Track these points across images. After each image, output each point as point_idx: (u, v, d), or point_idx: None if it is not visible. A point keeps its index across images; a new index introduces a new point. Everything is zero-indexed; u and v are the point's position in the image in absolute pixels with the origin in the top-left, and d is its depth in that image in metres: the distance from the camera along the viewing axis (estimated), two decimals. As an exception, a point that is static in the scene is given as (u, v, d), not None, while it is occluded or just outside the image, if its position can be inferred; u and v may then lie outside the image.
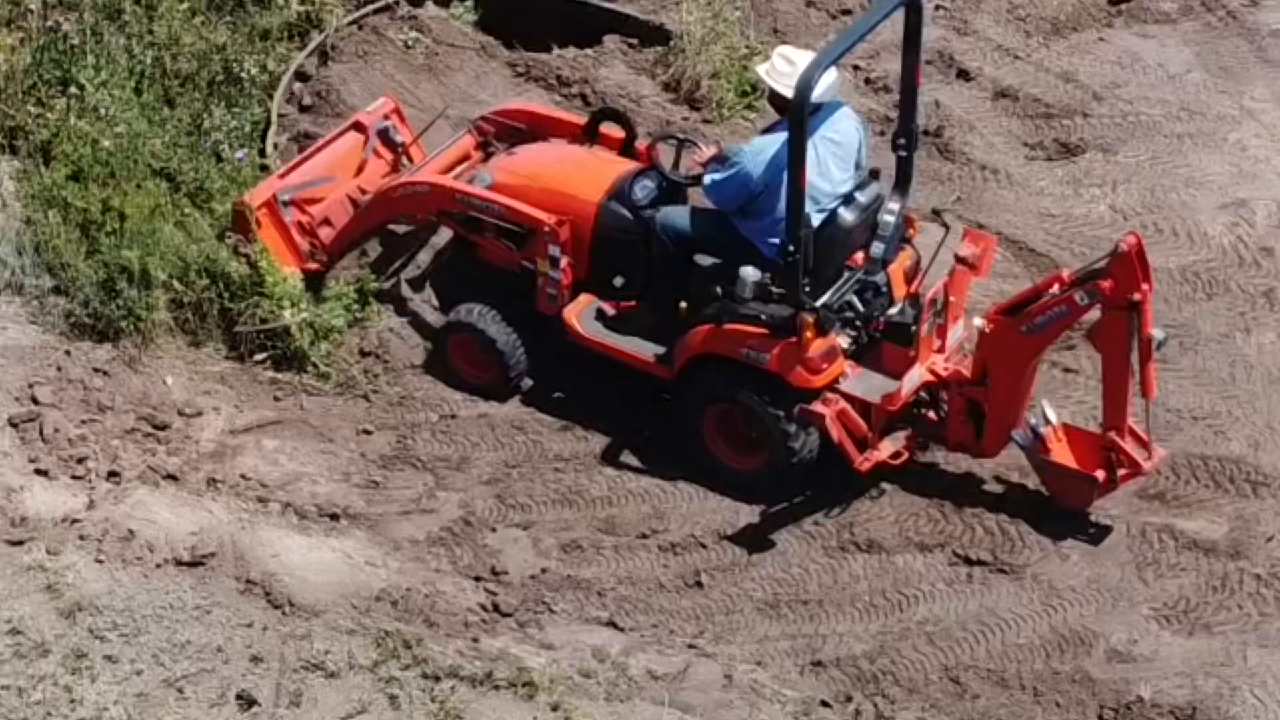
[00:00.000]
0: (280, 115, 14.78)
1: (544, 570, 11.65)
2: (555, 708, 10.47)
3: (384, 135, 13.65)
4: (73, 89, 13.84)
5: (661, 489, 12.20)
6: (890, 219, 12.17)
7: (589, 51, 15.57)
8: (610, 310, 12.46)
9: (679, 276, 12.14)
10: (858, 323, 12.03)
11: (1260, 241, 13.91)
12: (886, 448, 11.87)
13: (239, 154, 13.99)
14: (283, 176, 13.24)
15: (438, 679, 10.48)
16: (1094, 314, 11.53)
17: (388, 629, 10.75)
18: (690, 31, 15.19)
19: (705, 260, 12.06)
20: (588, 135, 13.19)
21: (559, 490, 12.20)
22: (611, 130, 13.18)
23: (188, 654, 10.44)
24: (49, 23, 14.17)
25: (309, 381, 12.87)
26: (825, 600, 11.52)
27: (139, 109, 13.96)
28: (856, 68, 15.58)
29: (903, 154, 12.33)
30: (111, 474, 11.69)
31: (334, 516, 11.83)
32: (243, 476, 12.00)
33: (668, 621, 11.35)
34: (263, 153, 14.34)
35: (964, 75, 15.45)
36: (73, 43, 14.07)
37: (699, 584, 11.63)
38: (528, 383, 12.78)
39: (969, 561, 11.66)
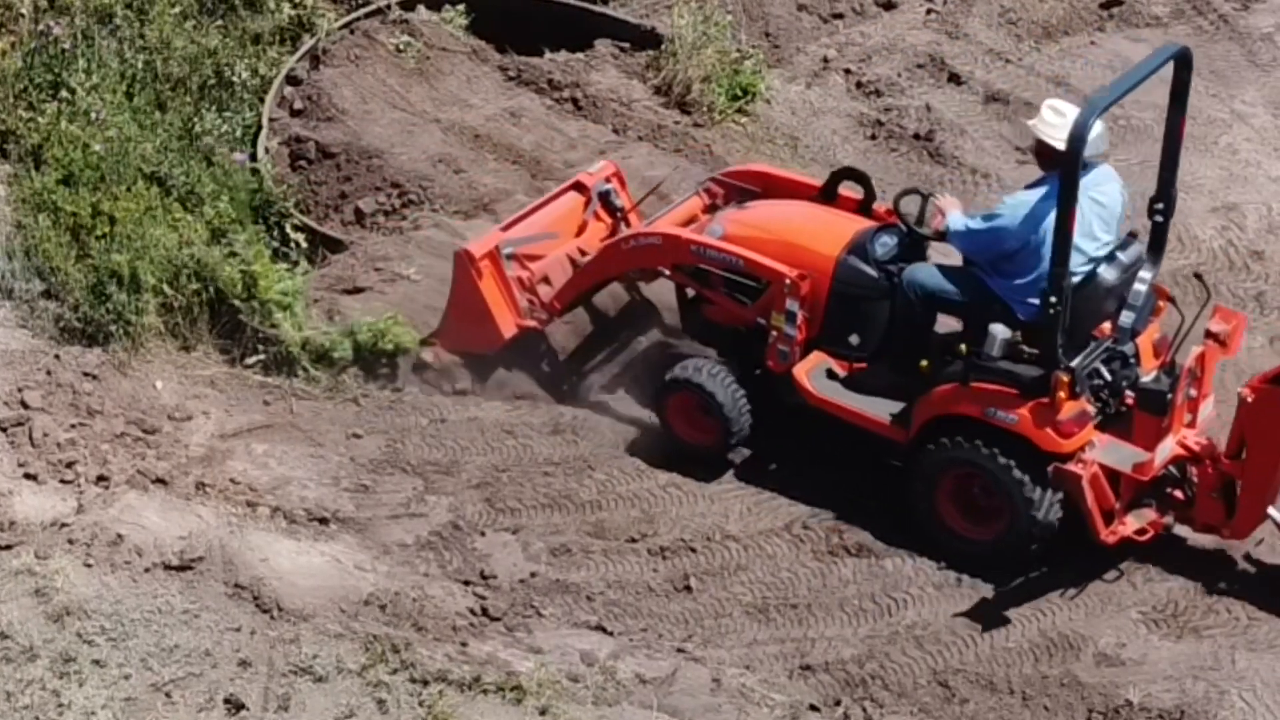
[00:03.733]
0: (271, 119, 14.81)
1: (533, 574, 11.64)
2: (544, 711, 10.46)
3: (604, 198, 13.21)
4: (64, 93, 13.86)
5: (651, 493, 12.19)
6: (1142, 288, 11.59)
7: (580, 55, 15.60)
8: (842, 370, 11.95)
9: (920, 335, 11.66)
10: (1105, 392, 11.43)
11: (1251, 245, 13.92)
12: (1132, 522, 11.31)
13: (238, 156, 13.99)
14: (505, 229, 12.81)
15: (426, 683, 10.47)
16: None
17: (376, 633, 10.75)
18: (681, 35, 15.21)
19: (948, 318, 11.67)
20: (825, 196, 12.65)
21: (548, 494, 12.20)
22: (850, 191, 12.62)
23: (176, 658, 10.43)
24: (40, 27, 14.18)
25: (299, 386, 12.86)
26: (814, 604, 11.52)
27: (130, 113, 13.98)
28: (848, 71, 15.60)
29: (1159, 219, 11.77)
30: (100, 478, 11.69)
31: (323, 520, 11.82)
32: (232, 481, 11.99)
33: (656, 625, 11.35)
34: (254, 157, 14.35)
35: (955, 79, 15.48)
36: (64, 47, 14.08)
37: (688, 588, 11.63)
38: (745, 451, 12.35)
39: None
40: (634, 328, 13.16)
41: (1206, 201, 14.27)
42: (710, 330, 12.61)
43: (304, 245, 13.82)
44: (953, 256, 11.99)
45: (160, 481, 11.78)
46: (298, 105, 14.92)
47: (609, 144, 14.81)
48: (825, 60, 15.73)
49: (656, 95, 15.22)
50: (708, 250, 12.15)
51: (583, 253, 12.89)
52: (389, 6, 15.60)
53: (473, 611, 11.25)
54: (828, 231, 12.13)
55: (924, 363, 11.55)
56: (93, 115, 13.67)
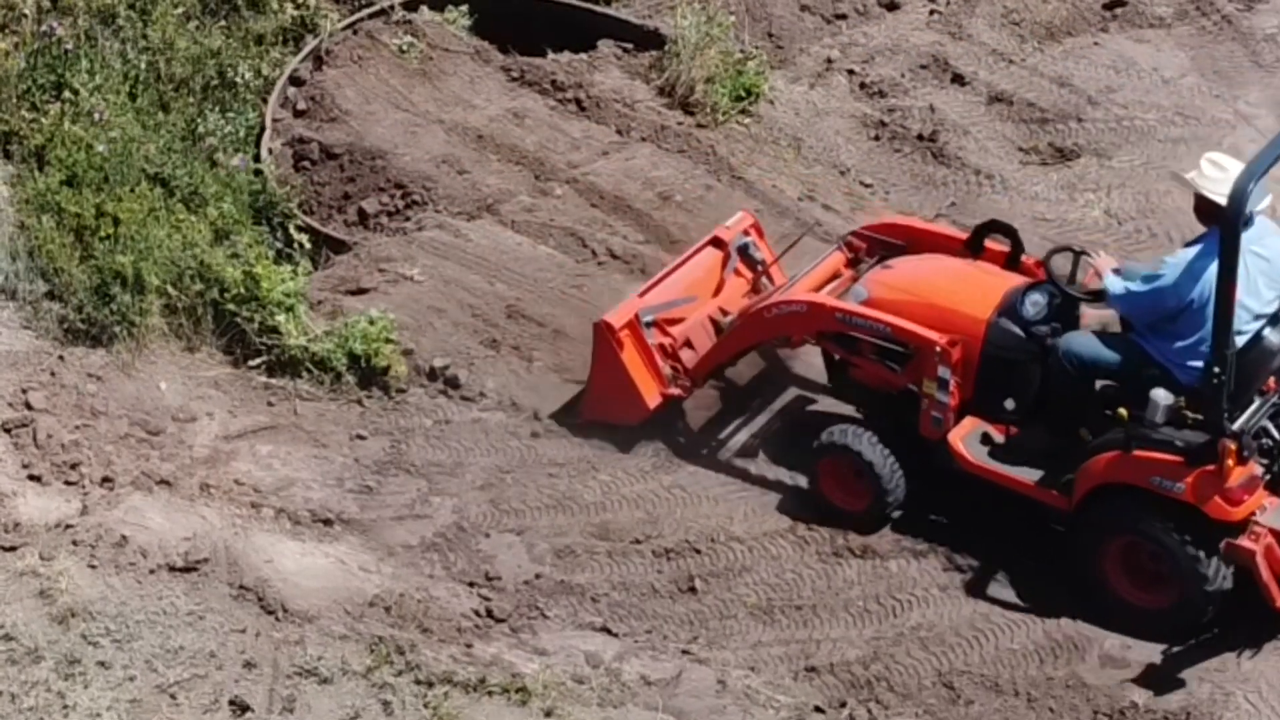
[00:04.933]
0: (275, 120, 14.81)
1: (537, 576, 11.64)
2: (549, 713, 10.47)
3: (743, 252, 12.83)
4: (67, 94, 13.85)
5: (655, 494, 12.18)
6: None
7: (583, 56, 15.59)
8: (998, 434, 11.57)
9: (1078, 402, 11.29)
10: (1274, 451, 11.05)
11: (1254, 246, 13.90)
12: None
13: (237, 160, 13.99)
14: (642, 295, 12.43)
15: (431, 685, 10.48)
16: None
17: (381, 635, 10.75)
18: (685, 36, 15.20)
19: (1107, 383, 11.29)
20: (971, 249, 12.23)
21: (553, 495, 12.19)
22: (996, 244, 12.22)
23: (181, 660, 10.43)
24: (43, 27, 14.17)
25: (303, 387, 12.85)
26: (819, 605, 11.51)
27: (133, 114, 13.97)
28: (851, 72, 15.60)
29: None
30: (105, 479, 11.69)
31: (327, 522, 11.82)
32: (236, 482, 11.99)
33: (661, 627, 11.34)
34: (257, 158, 14.35)
35: (959, 80, 15.46)
36: (67, 48, 14.07)
37: (693, 589, 11.62)
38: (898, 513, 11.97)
39: (961, 569, 11.67)
40: (771, 387, 12.84)
41: (1210, 203, 14.24)
42: (860, 393, 12.25)
43: (307, 246, 13.81)
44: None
45: (164, 483, 11.78)
46: (301, 106, 14.92)
47: (612, 144, 14.81)
48: (828, 61, 15.72)
49: (660, 96, 15.22)
50: (853, 318, 11.77)
51: (724, 312, 12.48)
52: (392, 7, 15.59)
53: (477, 613, 11.25)
54: (976, 291, 11.73)
55: (1084, 431, 11.19)
56: (96, 116, 13.66)
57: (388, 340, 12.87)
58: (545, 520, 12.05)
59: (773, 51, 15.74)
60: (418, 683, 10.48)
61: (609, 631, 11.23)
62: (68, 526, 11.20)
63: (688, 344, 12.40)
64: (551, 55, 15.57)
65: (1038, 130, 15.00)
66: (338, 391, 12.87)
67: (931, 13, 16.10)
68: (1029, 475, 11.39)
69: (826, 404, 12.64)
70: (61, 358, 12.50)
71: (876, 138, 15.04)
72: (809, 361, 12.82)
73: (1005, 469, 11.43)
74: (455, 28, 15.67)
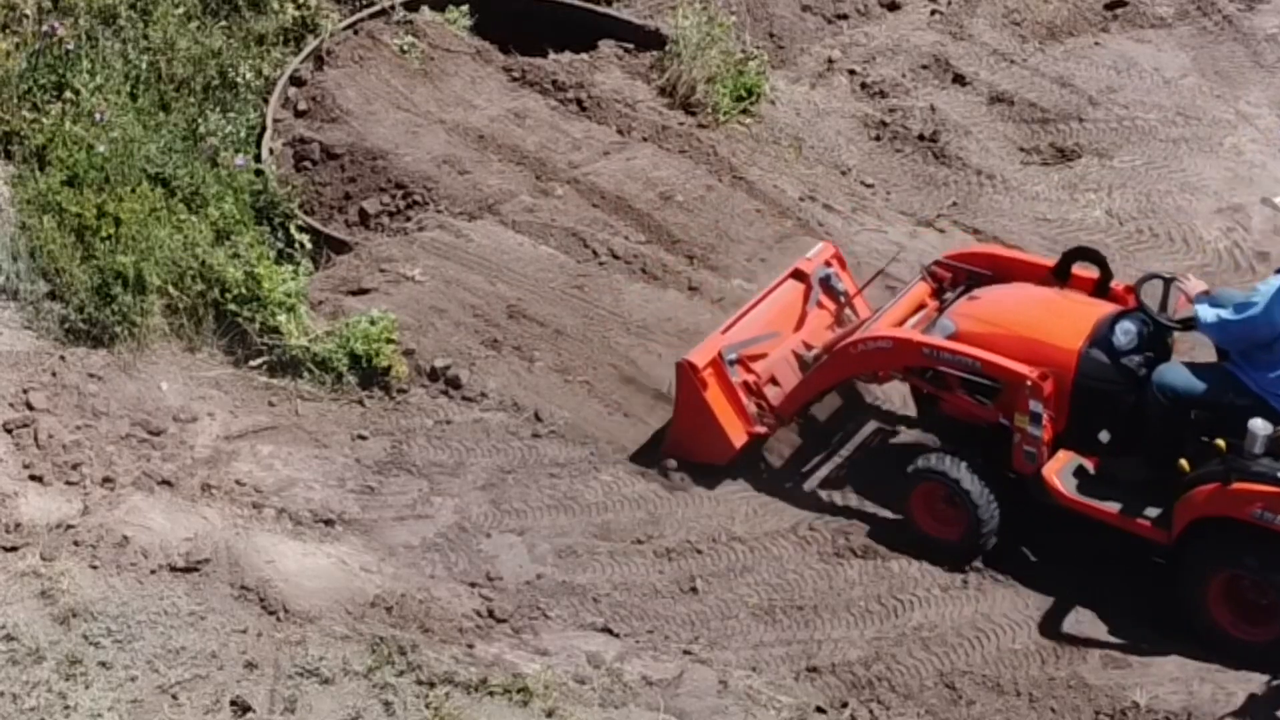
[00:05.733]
0: (276, 120, 14.81)
1: (539, 576, 11.64)
2: (550, 714, 10.46)
3: (825, 283, 12.65)
4: (68, 94, 13.86)
5: (657, 495, 12.18)
6: None
7: (584, 56, 15.59)
8: (1093, 467, 11.35)
9: (1174, 434, 11.04)
10: None
11: (1256, 246, 13.92)
12: None
13: (239, 160, 13.99)
14: (725, 332, 12.25)
15: (432, 685, 10.47)
16: None
17: (382, 635, 10.74)
18: (686, 36, 15.21)
19: (1204, 414, 11.06)
20: (1058, 276, 12.00)
21: (554, 496, 12.19)
22: (1083, 271, 12.00)
23: (182, 660, 10.43)
24: (44, 28, 14.17)
25: (304, 387, 12.86)
26: (820, 606, 11.51)
27: (134, 114, 13.98)
28: (852, 72, 15.60)
29: None
30: (106, 480, 11.69)
31: (329, 522, 11.82)
32: (237, 482, 11.99)
33: (663, 627, 11.34)
34: (258, 158, 14.35)
35: (960, 80, 15.47)
36: (68, 48, 14.08)
37: (694, 590, 11.62)
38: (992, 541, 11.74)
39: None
40: (854, 417, 12.69)
41: (1211, 203, 14.26)
42: (949, 427, 12.05)
43: (308, 246, 13.81)
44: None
45: (166, 483, 11.78)
46: (302, 106, 14.92)
47: (613, 145, 14.81)
48: (829, 61, 15.73)
49: (661, 96, 15.22)
50: (941, 353, 11.59)
51: (807, 346, 12.32)
52: (393, 7, 15.60)
53: (479, 613, 11.24)
54: (1066, 321, 11.52)
55: (1183, 462, 10.93)
56: (97, 116, 13.67)
57: (389, 340, 12.87)
58: (547, 520, 12.05)
59: (774, 51, 15.74)
60: (419, 683, 10.48)
61: (610, 632, 11.23)
62: (69, 527, 11.20)
63: (772, 380, 12.23)
64: (552, 55, 15.58)
65: (1039, 130, 15.01)
66: (339, 392, 12.87)
67: (932, 13, 16.11)
68: (1126, 509, 11.18)
69: (911, 435, 12.51)
70: (63, 358, 12.50)
71: (878, 138, 15.05)
72: (886, 392, 12.68)
73: (1101, 503, 11.21)
74: (456, 28, 15.68)
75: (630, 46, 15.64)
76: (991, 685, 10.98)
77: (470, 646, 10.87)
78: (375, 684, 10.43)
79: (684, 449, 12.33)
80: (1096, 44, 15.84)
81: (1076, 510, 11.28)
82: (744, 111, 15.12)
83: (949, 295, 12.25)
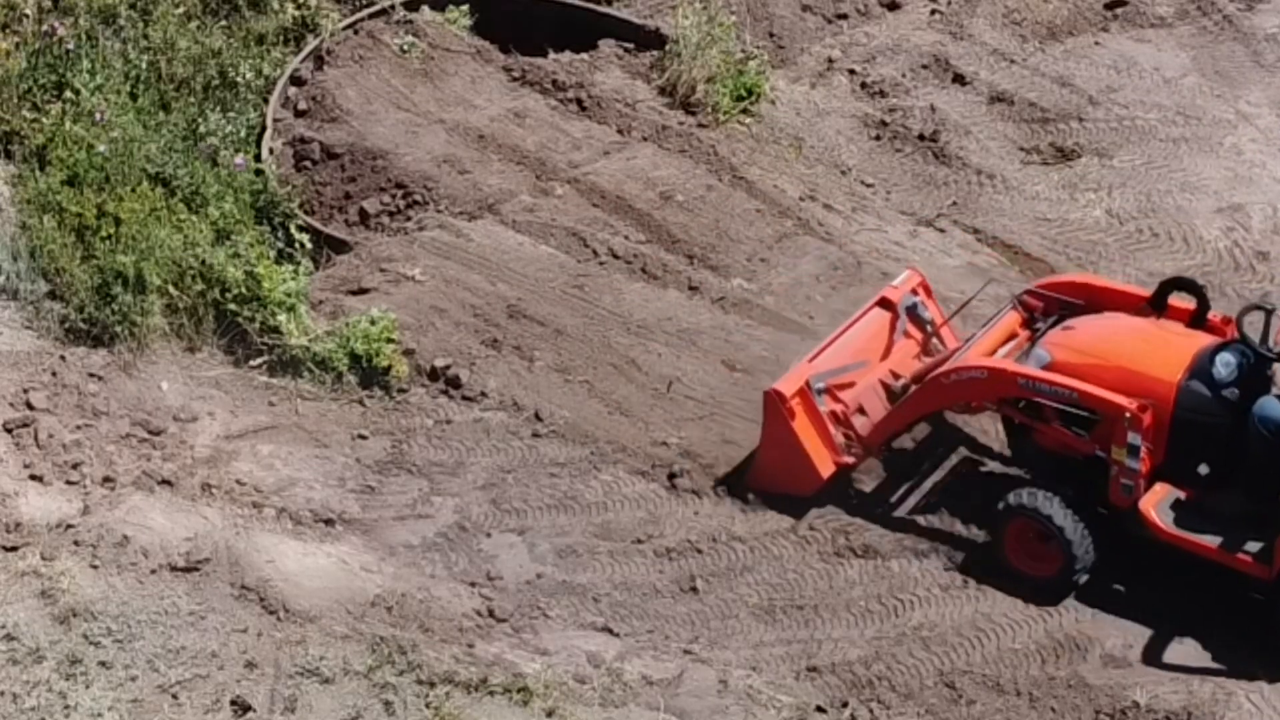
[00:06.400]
0: (276, 120, 14.80)
1: (539, 575, 11.64)
2: (550, 713, 10.47)
3: (912, 312, 12.46)
4: (68, 94, 13.86)
5: (657, 494, 12.18)
6: None
7: (584, 56, 15.58)
8: (1191, 501, 11.17)
9: (1275, 465, 10.88)
10: None
11: (1256, 246, 13.92)
12: None
13: (238, 160, 13.98)
14: (812, 360, 12.04)
15: (433, 685, 10.48)
16: None
17: (383, 634, 10.74)
18: (686, 36, 15.20)
19: None
20: (1154, 307, 11.80)
21: (554, 495, 12.18)
22: (1180, 301, 11.82)
23: (182, 660, 10.43)
24: (44, 27, 14.16)
25: (304, 387, 12.85)
26: (821, 605, 11.51)
27: (134, 114, 13.98)
28: (852, 72, 15.60)
29: None
30: (106, 479, 11.69)
31: (329, 522, 11.82)
32: (238, 482, 11.99)
33: (663, 627, 11.34)
34: (259, 157, 14.35)
35: (960, 80, 15.46)
36: (68, 47, 14.08)
37: (694, 589, 11.61)
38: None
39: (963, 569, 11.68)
40: (941, 446, 12.50)
41: (1211, 202, 14.26)
42: (1043, 459, 11.81)
43: (308, 246, 13.79)
44: None
45: (166, 483, 11.78)
46: (302, 106, 14.92)
47: (613, 144, 14.80)
48: (830, 61, 15.72)
49: (661, 96, 15.21)
50: (1037, 383, 11.38)
51: (895, 376, 12.14)
52: (393, 7, 15.59)
53: (479, 613, 11.25)
54: (1165, 352, 11.33)
55: None
56: (97, 116, 13.67)
57: (389, 340, 12.87)
58: (547, 520, 12.05)
59: (774, 51, 15.74)
60: (419, 683, 10.48)
61: (611, 631, 11.23)
62: (69, 526, 11.20)
63: (860, 410, 12.06)
64: (553, 55, 15.57)
65: (1039, 130, 15.00)
66: (339, 391, 12.87)
67: (933, 12, 16.11)
68: (1226, 544, 11.02)
69: (1001, 467, 12.34)
70: (63, 358, 12.50)
71: (878, 137, 15.04)
72: (973, 420, 12.51)
73: (1199, 537, 11.05)
74: (456, 27, 15.67)
75: (630, 46, 15.63)
76: (992, 685, 10.98)
77: (470, 646, 10.87)
78: (375, 683, 10.43)
79: (770, 480, 12.09)
80: (1096, 44, 15.83)
81: (1174, 544, 11.12)
82: (744, 111, 15.12)
83: (1039, 325, 12.07)
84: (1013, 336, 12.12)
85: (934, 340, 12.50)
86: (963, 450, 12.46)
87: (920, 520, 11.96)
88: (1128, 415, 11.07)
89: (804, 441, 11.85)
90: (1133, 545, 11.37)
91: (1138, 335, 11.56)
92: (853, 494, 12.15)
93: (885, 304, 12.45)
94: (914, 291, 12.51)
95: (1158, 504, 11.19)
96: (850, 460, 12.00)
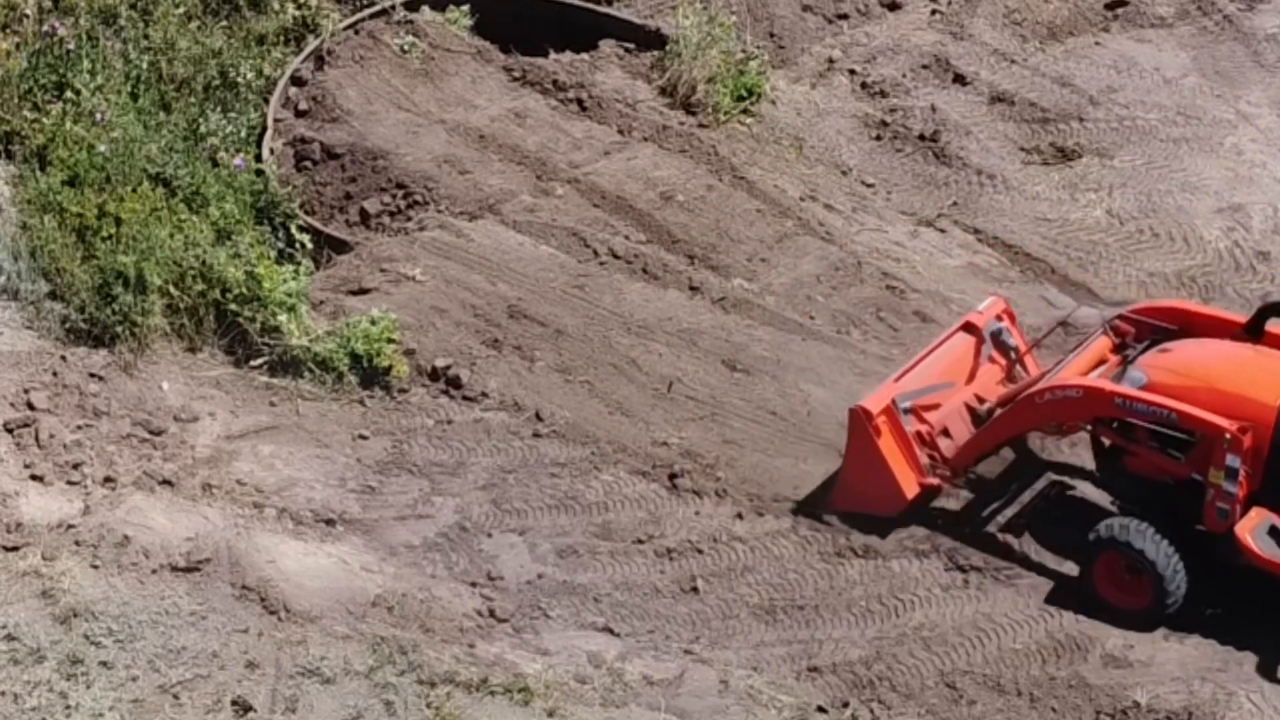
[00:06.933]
0: (276, 120, 14.80)
1: (540, 576, 11.64)
2: (551, 713, 10.46)
3: (996, 338, 12.37)
4: (68, 94, 13.85)
5: (657, 494, 12.18)
6: None
7: (585, 56, 15.59)
8: None
9: None
10: None
11: (1257, 246, 13.92)
12: None
13: (238, 160, 13.99)
14: (898, 380, 11.96)
15: (433, 685, 10.48)
16: None
17: (383, 635, 10.75)
18: (686, 36, 15.21)
19: None
20: (1250, 333, 11.70)
21: (555, 495, 12.18)
22: (1277, 327, 11.72)
23: (183, 660, 10.43)
24: (45, 28, 14.17)
25: (305, 387, 12.85)
26: (821, 606, 11.50)
27: (135, 114, 13.98)
28: (853, 72, 15.61)
29: None
30: (107, 479, 11.69)
31: (330, 522, 11.82)
32: (238, 482, 11.99)
33: (664, 627, 11.34)
34: (259, 158, 14.35)
35: (960, 80, 15.47)
36: (68, 48, 14.08)
37: (695, 589, 11.61)
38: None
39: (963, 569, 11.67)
40: (1025, 469, 12.34)
41: (1212, 202, 14.27)
42: (1133, 483, 11.67)
43: (309, 246, 13.80)
44: None
45: (167, 483, 11.78)
46: (302, 106, 14.92)
47: (613, 144, 14.81)
48: (830, 61, 15.73)
49: (661, 96, 15.22)
50: (1134, 403, 11.24)
51: (980, 399, 12.11)
52: (393, 7, 15.59)
53: (480, 613, 11.25)
54: (1264, 376, 11.23)
55: None
56: (97, 116, 13.67)
57: (389, 340, 12.87)
58: (547, 520, 12.05)
59: (774, 51, 15.75)
60: (420, 683, 10.48)
61: (611, 631, 11.23)
62: (70, 527, 11.20)
63: (945, 432, 11.96)
64: (553, 55, 15.58)
65: (1039, 130, 15.01)
66: (340, 391, 12.87)
67: (933, 13, 16.11)
68: None
69: (1089, 490, 12.19)
70: (64, 358, 12.50)
71: (878, 137, 15.05)
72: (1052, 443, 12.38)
73: None
74: (457, 28, 15.67)
75: (630, 46, 15.64)
76: (992, 685, 10.98)
77: (471, 646, 10.87)
78: (376, 683, 10.43)
79: (853, 499, 11.95)
80: (1097, 44, 15.84)
81: (1269, 570, 11.01)
82: (744, 111, 15.12)
83: (1130, 350, 11.93)
84: (1103, 361, 11.97)
85: (1018, 366, 12.35)
86: (1050, 475, 12.26)
87: (1010, 543, 11.76)
88: (1228, 437, 10.94)
89: (890, 461, 11.71)
90: (1223, 570, 11.21)
91: (1236, 359, 11.48)
92: (938, 515, 11.98)
93: (970, 328, 12.31)
94: (999, 317, 12.39)
95: (1254, 529, 11.04)
96: (935, 482, 11.86)
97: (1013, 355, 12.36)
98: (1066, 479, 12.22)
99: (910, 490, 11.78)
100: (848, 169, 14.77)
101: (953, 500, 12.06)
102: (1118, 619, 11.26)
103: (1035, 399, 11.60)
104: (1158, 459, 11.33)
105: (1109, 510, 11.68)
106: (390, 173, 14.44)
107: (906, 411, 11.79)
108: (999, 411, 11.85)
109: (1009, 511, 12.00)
